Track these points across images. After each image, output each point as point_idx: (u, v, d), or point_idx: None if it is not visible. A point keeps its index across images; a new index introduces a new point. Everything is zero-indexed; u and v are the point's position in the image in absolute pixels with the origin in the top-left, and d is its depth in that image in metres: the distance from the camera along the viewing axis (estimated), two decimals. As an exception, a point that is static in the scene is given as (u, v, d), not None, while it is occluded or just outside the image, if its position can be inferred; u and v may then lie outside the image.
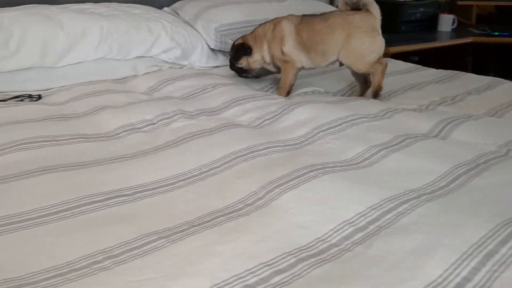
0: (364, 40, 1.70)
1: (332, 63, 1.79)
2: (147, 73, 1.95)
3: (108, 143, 1.31)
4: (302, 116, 1.50)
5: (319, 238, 0.90)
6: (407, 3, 3.11)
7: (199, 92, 1.75)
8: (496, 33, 2.93)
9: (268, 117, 1.53)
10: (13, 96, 1.61)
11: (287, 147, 1.31)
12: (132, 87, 1.78)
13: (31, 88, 1.70)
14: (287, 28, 1.77)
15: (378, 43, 1.72)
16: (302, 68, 1.81)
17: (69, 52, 1.78)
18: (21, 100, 1.60)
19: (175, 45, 2.02)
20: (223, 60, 2.13)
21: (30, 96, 1.64)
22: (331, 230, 0.92)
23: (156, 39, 1.98)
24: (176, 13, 2.29)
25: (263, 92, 1.79)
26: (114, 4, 2.10)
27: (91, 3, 2.06)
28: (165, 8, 2.34)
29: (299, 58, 1.77)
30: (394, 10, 3.13)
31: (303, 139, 1.37)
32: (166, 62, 2.02)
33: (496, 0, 3.28)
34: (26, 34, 1.70)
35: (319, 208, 0.98)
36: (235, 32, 2.10)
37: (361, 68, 1.74)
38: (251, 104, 1.63)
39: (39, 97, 1.65)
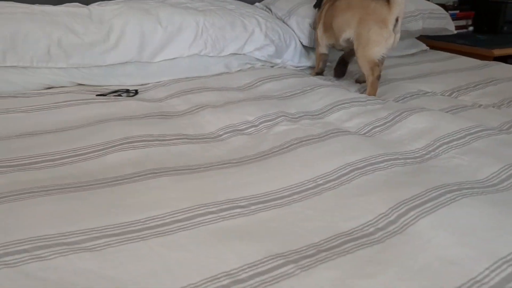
0: (370, 28, 1.68)
1: (347, 41, 1.79)
2: (240, 70, 1.88)
3: (212, 146, 1.24)
4: (418, 125, 1.36)
5: (473, 278, 0.76)
6: (510, 2, 2.85)
7: (298, 93, 1.64)
8: None
9: (379, 124, 1.40)
10: (112, 91, 1.58)
11: (408, 161, 1.17)
12: (227, 85, 1.71)
13: (128, 82, 1.67)
14: (323, 12, 1.89)
15: (383, 35, 1.66)
16: (332, 46, 1.90)
17: (165, 47, 1.74)
18: (119, 95, 1.57)
19: (269, 42, 1.94)
20: (315, 60, 2.03)
21: (127, 91, 1.60)
22: (487, 269, 0.78)
23: (250, 35, 1.91)
24: (269, 8, 2.20)
25: (366, 96, 1.66)
26: (208, -2, 2.04)
27: (186, -3, 2.01)
28: (257, 4, 2.26)
29: (322, 43, 1.90)
30: (495, 10, 2.89)
31: (424, 152, 1.23)
32: (258, 60, 1.94)
33: None
34: (126, 28, 1.67)
35: (467, 240, 0.84)
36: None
37: (362, 57, 1.71)
38: (357, 109, 1.50)
39: (136, 92, 1.61)
